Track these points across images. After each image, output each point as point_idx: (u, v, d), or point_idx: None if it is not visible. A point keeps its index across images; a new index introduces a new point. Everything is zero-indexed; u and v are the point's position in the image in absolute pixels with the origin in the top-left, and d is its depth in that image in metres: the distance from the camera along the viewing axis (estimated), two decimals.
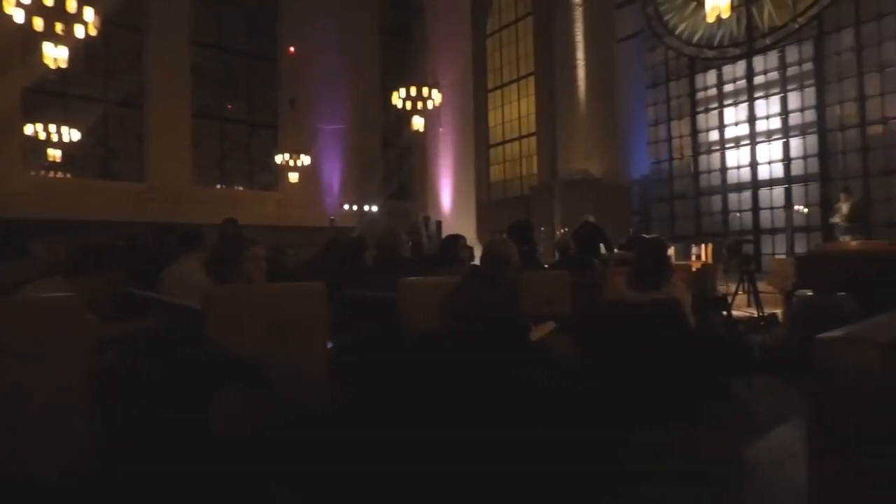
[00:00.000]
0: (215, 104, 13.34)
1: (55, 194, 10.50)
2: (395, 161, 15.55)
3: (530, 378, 1.87)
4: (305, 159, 12.56)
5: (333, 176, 14.22)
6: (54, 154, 10.17)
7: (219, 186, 13.35)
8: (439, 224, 13.09)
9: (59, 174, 11.24)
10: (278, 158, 12.61)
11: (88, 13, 6.67)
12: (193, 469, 1.39)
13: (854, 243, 7.26)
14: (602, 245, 7.16)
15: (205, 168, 13.09)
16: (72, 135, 10.20)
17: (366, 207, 13.88)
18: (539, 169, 13.86)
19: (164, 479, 1.42)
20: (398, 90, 10.29)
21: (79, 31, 6.72)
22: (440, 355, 1.96)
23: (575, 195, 11.73)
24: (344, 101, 13.89)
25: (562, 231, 10.69)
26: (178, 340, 1.80)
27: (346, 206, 13.78)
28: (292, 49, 13.41)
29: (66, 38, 6.90)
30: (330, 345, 2.18)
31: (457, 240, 4.01)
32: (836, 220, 8.45)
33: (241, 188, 13.63)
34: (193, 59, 12.60)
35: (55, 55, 7.13)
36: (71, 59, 7.59)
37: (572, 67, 12.26)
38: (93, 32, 6.89)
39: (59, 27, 6.64)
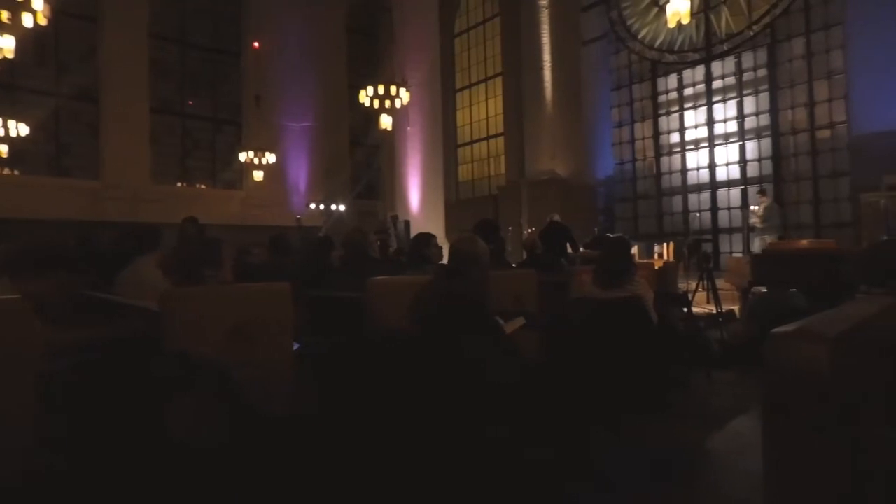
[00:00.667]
0: (176, 99, 12.93)
1: (1, 192, 9.98)
2: (362, 160, 15.42)
3: (499, 376, 1.88)
4: (271, 157, 12.32)
5: (300, 174, 14.00)
6: (1, 150, 9.66)
7: (180, 184, 12.94)
8: (408, 223, 13.06)
9: (7, 171, 10.68)
10: (242, 156, 12.32)
11: (37, 1, 6.36)
12: (151, 479, 1.34)
13: (772, 241, 7.70)
14: (569, 244, 7.30)
15: (165, 165, 12.67)
16: (20, 129, 9.71)
17: (333, 206, 13.72)
18: (507, 169, 13.98)
19: (118, 489, 1.37)
20: (366, 88, 10.21)
21: (27, 21, 6.40)
22: (409, 355, 1.96)
23: (542, 195, 11.89)
24: (310, 98, 13.69)
25: (529, 230, 10.82)
26: (135, 344, 1.73)
27: (313, 206, 13.58)
28: (257, 44, 13.12)
29: (13, 27, 6.57)
30: (296, 346, 2.15)
31: (428, 239, 3.99)
32: (752, 220, 8.91)
33: (203, 186, 13.26)
34: (152, 52, 12.18)
35: (1, 45, 6.78)
36: (19, 50, 7.23)
37: (539, 69, 12.42)
38: (43, 22, 6.56)
39: (4, 15, 6.31)
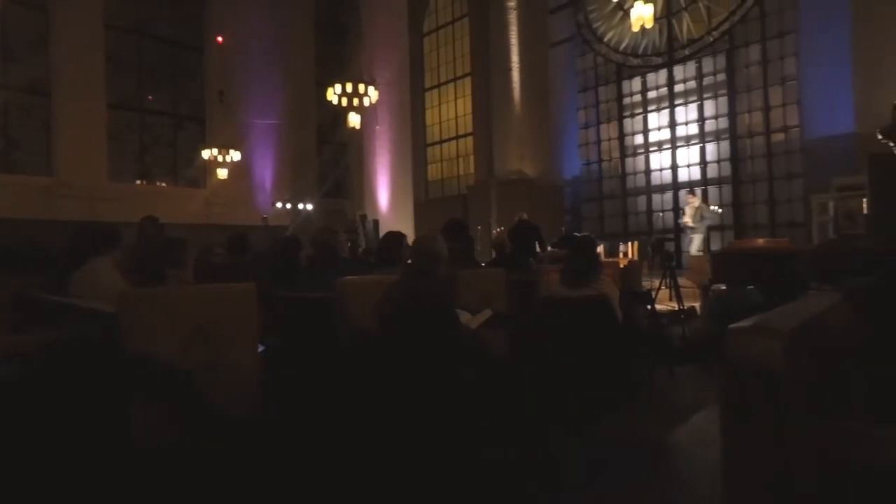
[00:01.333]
0: (135, 94, 12.48)
1: None
2: (330, 158, 15.22)
3: (465, 374, 1.89)
4: (235, 155, 12.03)
5: (266, 173, 13.71)
6: None
7: (139, 182, 12.50)
8: (376, 223, 12.96)
9: None
10: (205, 153, 11.99)
11: None
12: (110, 485, 1.29)
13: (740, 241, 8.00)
14: (537, 243, 7.38)
15: (123, 162, 12.21)
16: None
17: (300, 206, 13.50)
18: (476, 168, 14.05)
19: (75, 495, 1.31)
20: (333, 86, 10.08)
21: None
22: (377, 355, 1.94)
23: (511, 195, 12.00)
24: (277, 95, 13.42)
25: (498, 230, 10.90)
26: (87, 348, 1.66)
27: (280, 204, 13.33)
28: (220, 39, 12.79)
29: None
30: (261, 348, 2.10)
31: (399, 238, 3.95)
32: (682, 220, 9.23)
33: (164, 184, 12.84)
34: (108, 44, 11.71)
35: None
36: None
37: (507, 70, 12.52)
38: None
39: None
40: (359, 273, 3.09)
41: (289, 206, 13.40)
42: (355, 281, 2.44)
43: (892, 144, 6.02)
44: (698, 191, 9.73)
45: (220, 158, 11.88)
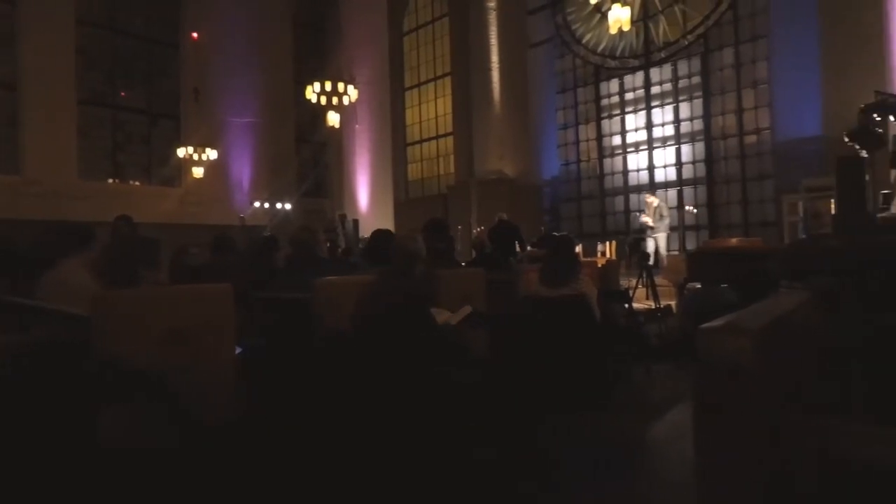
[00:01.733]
0: (107, 90, 12.18)
1: None
2: (309, 157, 15.08)
3: (446, 374, 1.89)
4: (212, 153, 11.83)
5: (243, 171, 13.52)
6: None
7: (111, 181, 12.21)
8: (356, 222, 12.88)
9: None
10: (181, 152, 11.77)
11: None
12: (80, 492, 1.26)
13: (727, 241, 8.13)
14: (517, 243, 7.41)
15: (94, 160, 11.91)
16: None
17: (278, 205, 13.35)
18: (456, 168, 14.07)
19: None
20: (312, 84, 9.99)
21: None
22: (355, 355, 1.93)
23: (491, 194, 12.04)
24: (254, 93, 13.24)
25: (478, 229, 10.93)
26: (56, 351, 1.61)
27: (257, 204, 13.16)
28: (196, 35, 12.56)
29: None
30: (239, 349, 2.07)
31: (388, 236, 3.91)
32: (642, 220, 9.36)
33: (137, 183, 12.56)
34: (80, 39, 11.40)
35: None
36: None
37: (487, 70, 12.56)
38: None
39: None
40: (338, 273, 3.07)
41: (267, 205, 13.25)
42: (334, 281, 2.42)
43: (857, 147, 6.24)
44: (678, 192, 9.90)
45: (195, 157, 11.68)
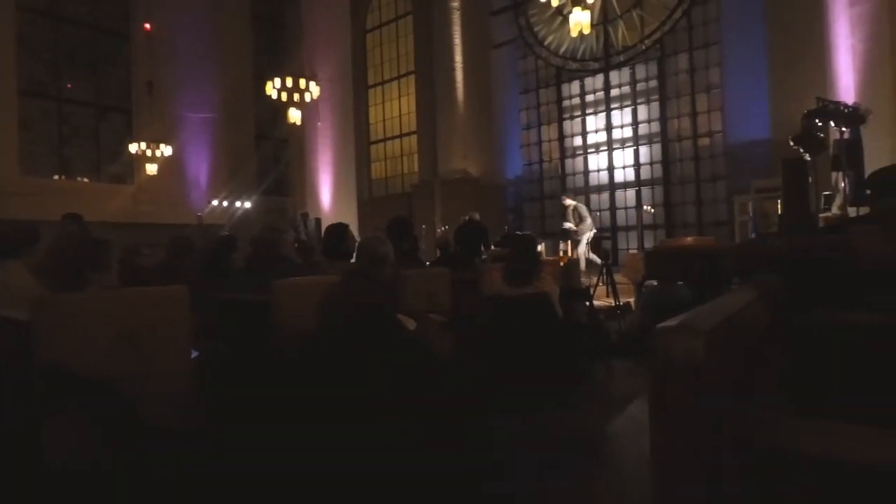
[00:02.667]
0: (51, 82, 11.56)
1: None
2: (270, 154, 14.74)
3: (408, 377, 1.88)
4: (166, 149, 11.39)
5: (200, 169, 13.09)
6: None
7: (57, 177, 11.60)
8: (318, 221, 12.67)
9: None
10: (133, 147, 11.29)
11: None
12: None
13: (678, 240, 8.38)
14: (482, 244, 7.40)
15: (38, 155, 11.28)
16: None
17: (238, 203, 12.99)
18: (420, 167, 14.05)
19: None
20: (273, 80, 9.76)
21: None
22: (317, 359, 1.89)
23: (455, 194, 12.08)
24: (212, 87, 12.84)
25: (443, 228, 10.95)
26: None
27: (216, 202, 12.77)
28: (148, 26, 12.07)
29: None
30: (194, 354, 2.00)
31: (342, 231, 3.84)
32: (566, 225, 9.47)
33: (86, 180, 11.98)
34: (20, 26, 10.78)
35: None
36: None
37: (451, 69, 12.59)
38: None
39: None
40: (301, 273, 3.01)
41: (225, 203, 12.87)
42: (293, 282, 2.37)
43: (801, 150, 6.57)
44: (637, 192, 10.11)
45: (148, 153, 11.22)
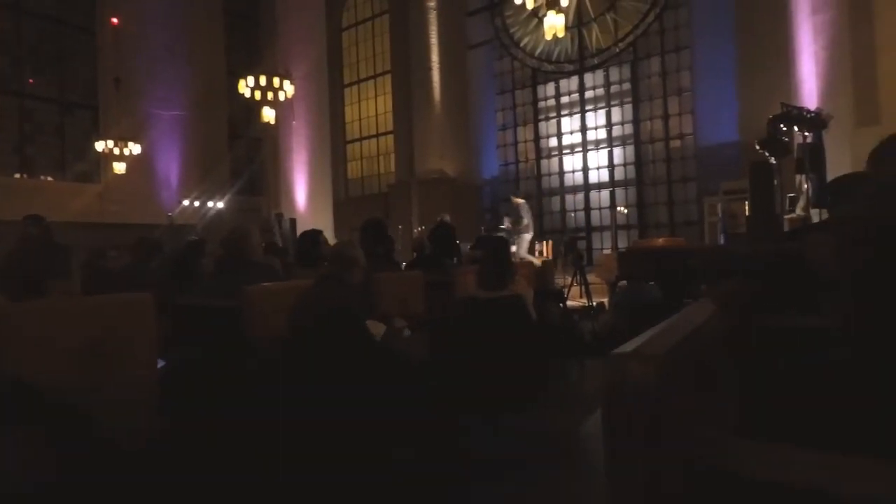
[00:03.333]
0: (13, 77, 11.13)
1: None
2: (243, 153, 14.48)
3: (377, 381, 1.87)
4: (135, 147, 11.09)
5: (171, 167, 12.78)
6: None
7: (18, 175, 11.18)
8: (293, 222, 12.52)
9: None
10: (99, 145, 10.96)
11: None
12: None
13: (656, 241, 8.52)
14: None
15: None
16: None
17: (210, 203, 12.73)
18: (397, 167, 13.99)
19: None
20: (246, 78, 9.59)
21: None
22: (288, 366, 1.87)
23: (432, 194, 12.08)
24: (183, 84, 12.55)
25: (419, 229, 10.92)
26: None
27: (187, 202, 12.49)
28: (115, 20, 11.73)
29: None
30: (161, 363, 1.95)
31: (315, 237, 3.81)
32: (502, 226, 9.37)
33: (49, 178, 11.59)
34: None
35: None
36: None
37: (427, 69, 12.57)
38: None
39: None
40: (274, 277, 2.96)
41: (197, 203, 12.60)
42: (264, 287, 2.32)
43: (767, 154, 6.77)
44: (611, 193, 10.20)
45: (116, 151, 10.91)
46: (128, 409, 1.72)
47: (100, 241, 5.83)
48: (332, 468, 1.71)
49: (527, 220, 8.78)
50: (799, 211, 6.83)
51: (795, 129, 6.65)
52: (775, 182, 6.48)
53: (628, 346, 0.57)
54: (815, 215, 6.35)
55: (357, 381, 1.79)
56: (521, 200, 8.95)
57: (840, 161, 6.36)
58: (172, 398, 1.82)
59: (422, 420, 1.97)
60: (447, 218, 7.66)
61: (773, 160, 6.58)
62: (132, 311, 1.92)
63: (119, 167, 11.06)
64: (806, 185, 6.57)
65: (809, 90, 7.39)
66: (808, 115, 6.62)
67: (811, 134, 6.63)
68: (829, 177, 6.14)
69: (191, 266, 3.03)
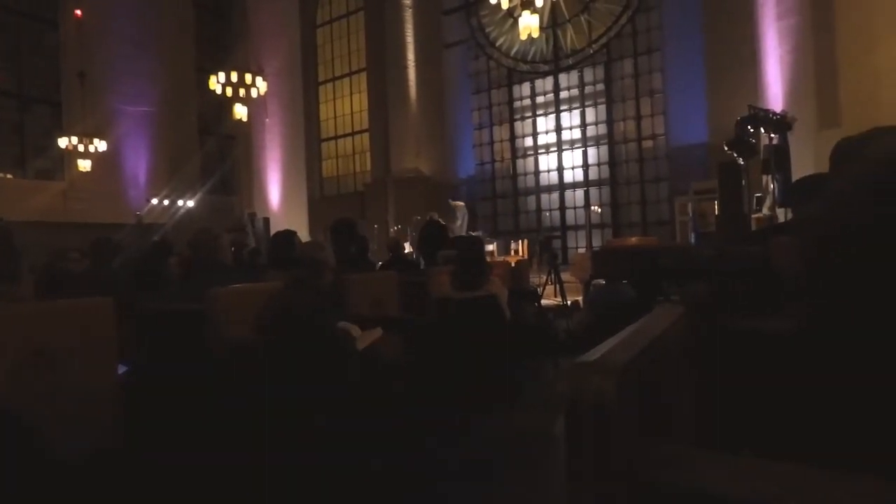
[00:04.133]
0: None
1: None
2: (215, 151, 14.17)
3: (344, 383, 1.84)
4: (100, 144, 10.75)
5: (139, 165, 12.43)
6: None
7: None
8: (267, 221, 12.32)
9: None
10: (63, 142, 10.58)
11: None
12: None
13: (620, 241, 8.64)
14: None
15: None
16: None
17: (180, 202, 12.43)
18: (373, 166, 13.89)
19: None
20: (217, 74, 9.37)
21: None
22: (255, 373, 1.82)
23: (408, 193, 12.03)
24: (151, 80, 12.21)
25: (394, 229, 10.87)
26: None
27: (155, 201, 12.16)
28: (79, 12, 11.33)
29: None
30: (122, 369, 1.87)
31: (289, 238, 3.73)
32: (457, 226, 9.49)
33: (9, 175, 11.14)
34: None
35: None
36: None
37: (403, 68, 12.51)
38: None
39: None
40: (243, 279, 2.89)
41: (167, 202, 12.28)
42: (232, 290, 2.25)
43: (735, 155, 6.94)
44: (585, 192, 10.25)
45: (81, 148, 10.55)
46: (82, 419, 1.65)
47: (64, 240, 5.61)
48: (300, 472, 1.67)
49: (460, 221, 8.91)
50: (765, 210, 7.02)
51: (762, 130, 6.83)
52: (743, 182, 6.65)
53: (591, 355, 0.56)
54: (781, 214, 6.53)
55: (326, 385, 1.76)
56: (459, 203, 9.11)
57: (804, 162, 6.56)
58: (134, 406, 1.75)
59: (391, 423, 1.95)
60: (436, 216, 7.56)
61: (740, 161, 6.75)
62: (89, 316, 1.84)
63: (84, 164, 10.71)
64: (772, 185, 6.76)
65: (775, 93, 7.60)
66: (774, 118, 6.80)
67: (777, 136, 6.82)
68: (794, 177, 6.33)
69: (157, 269, 2.93)
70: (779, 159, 6.71)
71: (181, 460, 1.63)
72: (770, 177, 6.81)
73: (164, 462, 1.63)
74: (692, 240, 8.26)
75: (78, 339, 1.75)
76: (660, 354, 0.67)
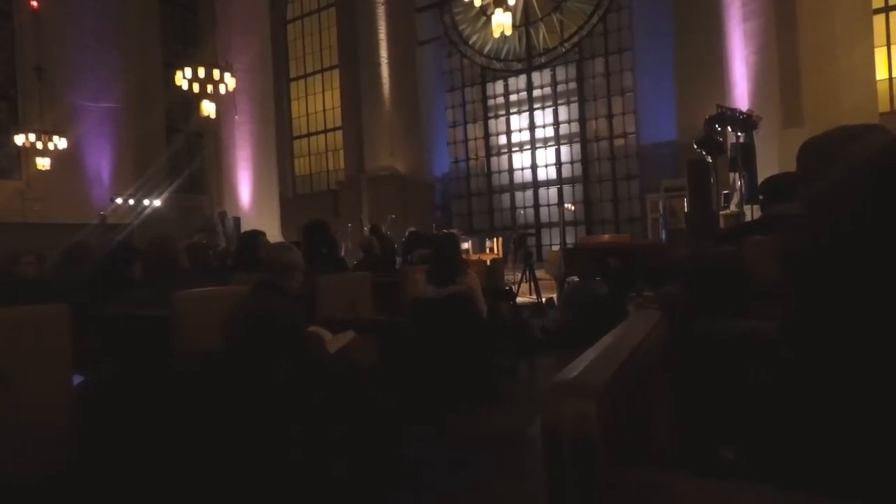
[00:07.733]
0: None
1: None
2: (183, 149, 13.78)
3: (316, 396, 1.79)
4: (60, 142, 10.32)
5: (102, 163, 11.99)
6: None
7: None
8: (238, 220, 12.04)
9: None
10: (19, 139, 10.12)
11: None
12: None
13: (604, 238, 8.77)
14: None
15: None
16: None
17: (146, 202, 12.04)
18: (346, 164, 13.72)
19: None
20: (183, 70, 9.09)
21: None
22: (221, 381, 1.75)
23: (382, 191, 11.92)
24: (114, 75, 11.79)
25: (367, 228, 10.72)
26: None
27: (120, 200, 11.75)
28: (35, 3, 10.85)
29: None
30: (78, 379, 1.77)
31: (255, 238, 3.64)
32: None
33: None
34: None
35: None
36: None
37: (376, 65, 12.38)
38: None
39: None
40: (209, 281, 2.79)
41: (132, 202, 11.88)
42: (195, 294, 2.17)
43: (703, 153, 7.07)
44: (559, 190, 10.30)
45: (39, 145, 10.11)
46: (32, 437, 1.55)
47: (23, 242, 5.35)
48: (268, 481, 1.62)
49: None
50: (733, 207, 7.18)
51: (729, 129, 6.98)
52: (711, 180, 6.78)
53: (569, 372, 0.53)
54: (748, 211, 6.69)
55: (293, 392, 1.70)
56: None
57: (769, 160, 6.73)
58: (90, 418, 1.66)
59: (363, 428, 1.90)
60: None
61: (709, 159, 6.88)
62: (42, 324, 1.73)
63: (42, 162, 10.28)
64: (739, 183, 6.92)
65: (741, 93, 7.78)
66: (741, 117, 6.96)
67: (743, 134, 6.98)
68: (760, 174, 6.49)
69: (119, 272, 2.81)
70: (745, 157, 6.87)
71: (141, 479, 1.55)
72: (737, 174, 6.97)
73: (122, 482, 1.55)
74: (663, 237, 8.41)
75: (30, 350, 1.65)
76: (639, 368, 0.65)
